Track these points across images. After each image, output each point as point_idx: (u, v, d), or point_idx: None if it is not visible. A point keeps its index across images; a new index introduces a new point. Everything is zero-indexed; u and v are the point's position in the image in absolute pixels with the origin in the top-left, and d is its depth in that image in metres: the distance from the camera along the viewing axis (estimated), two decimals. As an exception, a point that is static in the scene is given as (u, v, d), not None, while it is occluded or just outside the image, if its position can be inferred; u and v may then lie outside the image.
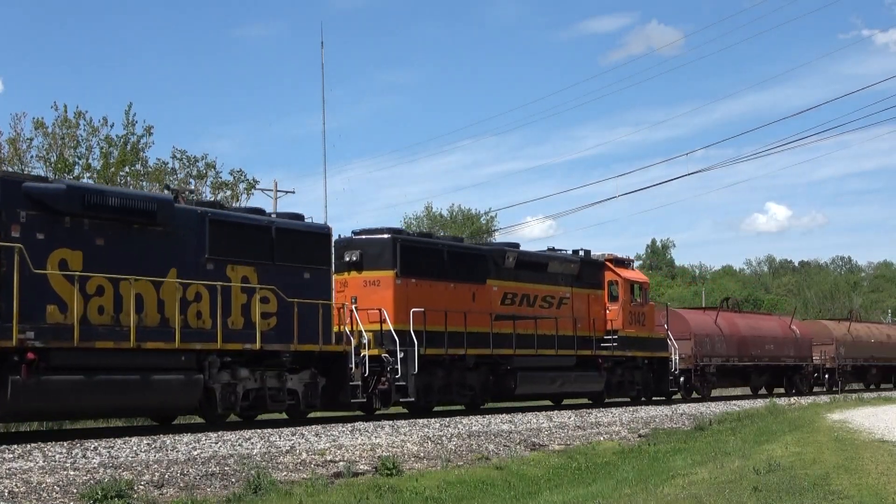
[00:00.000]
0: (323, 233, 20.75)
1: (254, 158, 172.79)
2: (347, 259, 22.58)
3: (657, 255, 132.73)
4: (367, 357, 20.87)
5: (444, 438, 16.78)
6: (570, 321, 26.84)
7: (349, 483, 12.12)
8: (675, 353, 30.61)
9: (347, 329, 20.71)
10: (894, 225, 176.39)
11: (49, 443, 14.15)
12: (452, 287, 23.77)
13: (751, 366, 37.25)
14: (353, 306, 21.41)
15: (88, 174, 32.15)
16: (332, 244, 21.18)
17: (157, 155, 57.17)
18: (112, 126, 33.21)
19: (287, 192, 46.54)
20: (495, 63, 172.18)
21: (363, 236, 22.97)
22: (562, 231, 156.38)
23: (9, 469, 11.25)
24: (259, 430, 16.87)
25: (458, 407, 24.74)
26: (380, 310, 21.78)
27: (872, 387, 47.64)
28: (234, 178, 37.23)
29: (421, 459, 14.58)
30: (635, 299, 29.34)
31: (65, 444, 13.94)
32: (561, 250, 28.58)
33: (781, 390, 40.08)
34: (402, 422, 19.78)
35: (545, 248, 28.48)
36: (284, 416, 20.47)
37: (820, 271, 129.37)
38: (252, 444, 14.81)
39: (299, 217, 21.19)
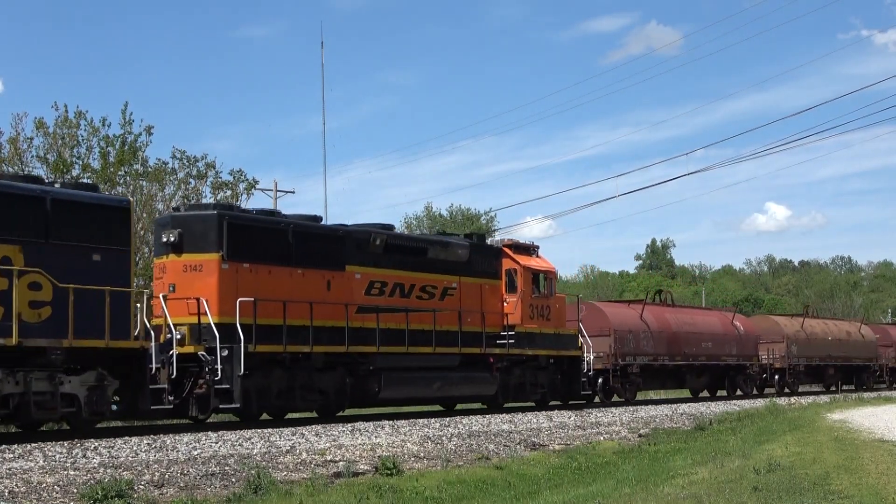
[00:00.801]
0: (119, 206, 17.46)
1: (254, 158, 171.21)
2: (165, 240, 19.09)
3: (657, 255, 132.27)
4: (174, 355, 17.61)
5: (444, 438, 16.90)
6: (454, 315, 23.34)
7: (349, 483, 12.21)
8: (588, 352, 27.09)
9: (149, 322, 17.52)
10: (894, 225, 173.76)
11: (49, 443, 14.05)
12: (300, 274, 20.34)
13: (684, 365, 33.19)
14: (162, 295, 18.20)
15: (88, 174, 31.23)
16: (132, 220, 17.85)
17: (158, 155, 55.81)
18: (109, 126, 32.46)
19: (287, 192, 46.02)
20: (495, 63, 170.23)
21: (185, 213, 19.57)
22: (562, 231, 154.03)
23: (9, 469, 11.30)
24: (259, 430, 16.96)
25: (310, 414, 21.37)
26: (197, 299, 18.46)
27: (833, 388, 43.85)
28: (234, 178, 36.32)
29: (421, 459, 14.65)
30: (539, 290, 25.75)
31: (65, 443, 13.87)
32: (453, 234, 25.25)
33: (724, 393, 36.32)
34: (403, 422, 19.48)
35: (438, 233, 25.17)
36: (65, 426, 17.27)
37: (820, 271, 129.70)
38: (252, 444, 14.94)
39: (92, 188, 18.01)
